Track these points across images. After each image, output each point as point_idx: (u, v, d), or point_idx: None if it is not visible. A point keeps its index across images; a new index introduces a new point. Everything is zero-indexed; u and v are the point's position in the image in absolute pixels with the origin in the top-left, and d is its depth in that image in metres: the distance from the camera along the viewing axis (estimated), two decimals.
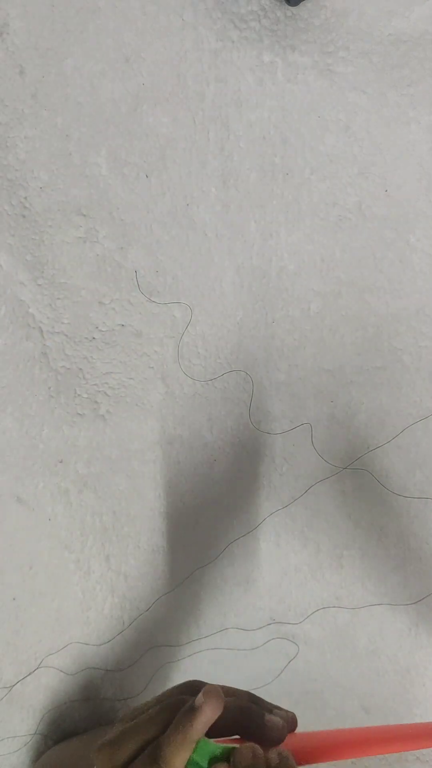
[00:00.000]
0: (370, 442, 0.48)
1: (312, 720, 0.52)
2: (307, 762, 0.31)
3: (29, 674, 0.49)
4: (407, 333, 0.46)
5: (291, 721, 0.32)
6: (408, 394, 0.47)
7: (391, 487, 0.48)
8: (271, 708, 0.32)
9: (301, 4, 0.41)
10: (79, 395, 0.46)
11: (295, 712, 0.54)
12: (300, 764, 0.30)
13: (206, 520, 0.49)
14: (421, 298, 0.45)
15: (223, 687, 0.30)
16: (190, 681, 0.32)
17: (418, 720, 0.52)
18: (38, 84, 0.41)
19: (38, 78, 0.41)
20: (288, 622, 0.51)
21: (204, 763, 0.27)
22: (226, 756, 0.27)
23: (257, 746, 0.28)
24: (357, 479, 0.48)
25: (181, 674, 0.50)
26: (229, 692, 0.31)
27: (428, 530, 0.49)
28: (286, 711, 0.33)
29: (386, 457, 0.48)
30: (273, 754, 0.28)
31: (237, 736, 0.30)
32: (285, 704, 0.52)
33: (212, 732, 0.28)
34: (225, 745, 0.28)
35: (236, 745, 0.28)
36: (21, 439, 0.46)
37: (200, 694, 0.28)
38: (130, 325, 0.45)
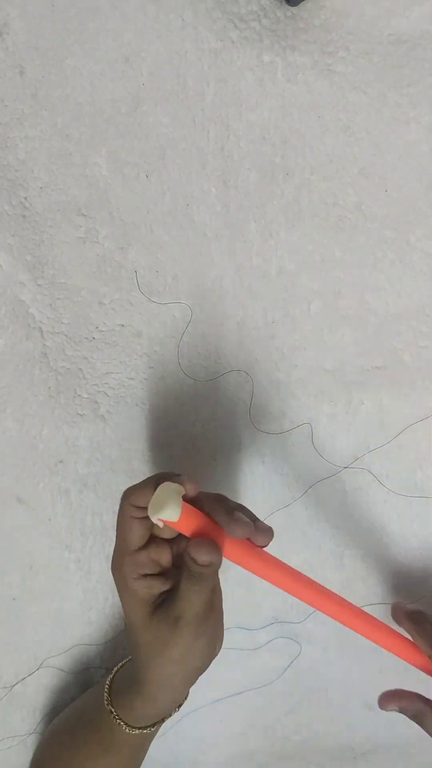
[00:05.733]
0: (370, 442, 0.48)
1: (315, 718, 0.52)
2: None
3: (29, 674, 0.49)
4: (407, 333, 0.46)
5: (264, 531, 0.33)
6: (408, 394, 0.47)
7: (391, 486, 0.48)
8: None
9: (301, 4, 0.41)
10: (79, 395, 0.46)
11: (299, 711, 0.54)
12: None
13: None
14: (421, 298, 0.46)
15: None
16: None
17: None
18: (38, 84, 0.41)
19: (38, 78, 0.41)
20: (290, 621, 0.51)
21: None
22: None
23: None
24: (357, 479, 0.48)
25: None
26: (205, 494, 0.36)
27: (429, 530, 0.49)
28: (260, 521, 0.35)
29: (386, 457, 0.48)
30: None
31: None
32: (288, 703, 0.53)
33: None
34: None
35: None
36: (21, 439, 0.46)
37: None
38: (130, 325, 0.45)
